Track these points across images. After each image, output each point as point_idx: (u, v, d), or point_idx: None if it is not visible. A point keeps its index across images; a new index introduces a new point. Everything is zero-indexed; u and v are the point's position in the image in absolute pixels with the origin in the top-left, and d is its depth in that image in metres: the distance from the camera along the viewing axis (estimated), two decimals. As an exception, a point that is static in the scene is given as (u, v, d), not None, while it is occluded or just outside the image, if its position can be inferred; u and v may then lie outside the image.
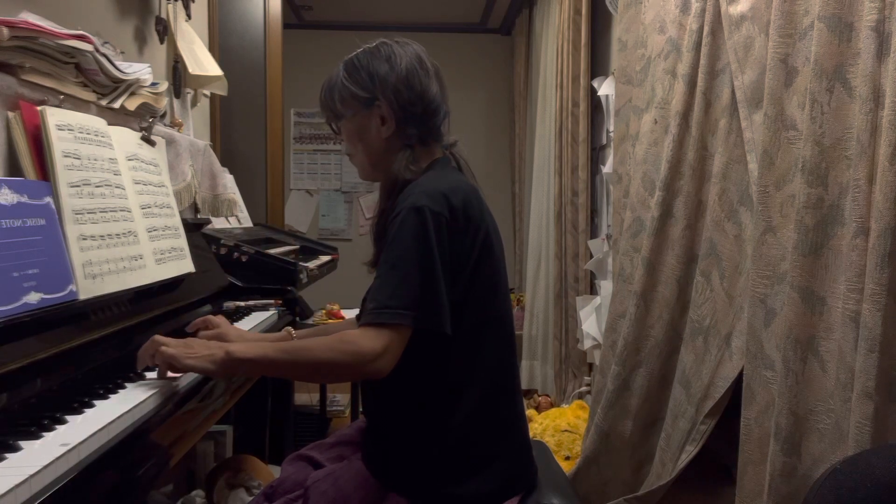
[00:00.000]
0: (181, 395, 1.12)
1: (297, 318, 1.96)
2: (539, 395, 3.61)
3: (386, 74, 1.21)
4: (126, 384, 1.08)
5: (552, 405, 3.35)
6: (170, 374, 1.12)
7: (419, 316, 1.06)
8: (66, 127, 1.26)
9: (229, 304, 1.79)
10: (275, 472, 1.98)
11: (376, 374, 1.05)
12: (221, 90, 2.54)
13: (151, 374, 1.14)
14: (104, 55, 1.48)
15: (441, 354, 1.14)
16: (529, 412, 3.11)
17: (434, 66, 1.26)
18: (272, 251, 2.32)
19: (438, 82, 1.25)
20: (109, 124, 1.44)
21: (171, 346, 1.09)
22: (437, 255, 1.08)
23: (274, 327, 1.75)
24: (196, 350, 1.09)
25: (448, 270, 1.10)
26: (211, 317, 1.39)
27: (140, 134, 1.59)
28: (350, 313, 2.77)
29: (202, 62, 2.39)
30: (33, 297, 1.05)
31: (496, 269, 1.20)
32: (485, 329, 1.17)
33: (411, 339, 1.08)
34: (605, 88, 2.97)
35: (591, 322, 2.94)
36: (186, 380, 1.16)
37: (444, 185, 1.14)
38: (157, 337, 1.11)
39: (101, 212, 1.30)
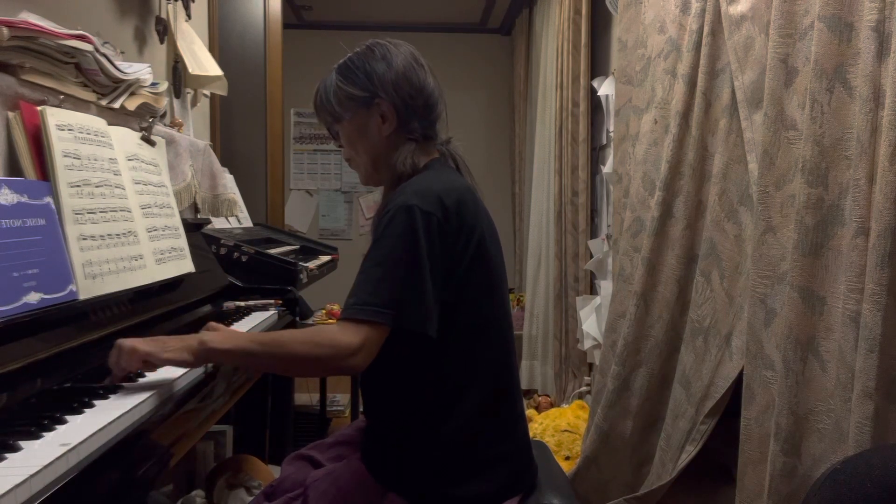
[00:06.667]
0: (181, 395, 1.12)
1: (298, 319, 1.96)
2: (539, 395, 3.61)
3: (384, 72, 1.21)
4: (125, 384, 1.08)
5: (552, 405, 3.35)
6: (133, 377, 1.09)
7: (399, 315, 1.05)
8: (66, 127, 1.26)
9: (229, 304, 1.79)
10: (275, 472, 1.98)
11: (351, 369, 1.06)
12: (221, 90, 2.54)
13: (148, 376, 1.13)
14: (104, 55, 1.48)
15: (438, 356, 1.13)
16: (529, 412, 3.11)
17: (427, 63, 1.27)
18: (272, 251, 2.32)
19: (434, 78, 1.26)
20: (109, 124, 1.44)
21: (144, 343, 1.06)
22: (426, 255, 1.07)
23: (274, 327, 1.75)
24: (171, 343, 1.08)
25: (438, 272, 1.09)
26: (212, 323, 1.38)
27: (140, 134, 1.59)
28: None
29: (202, 62, 2.39)
30: (33, 297, 1.05)
31: (492, 272, 1.18)
32: (481, 332, 1.17)
33: (407, 339, 1.08)
34: (605, 88, 2.97)
35: (591, 322, 2.94)
36: (186, 380, 1.16)
37: (437, 186, 1.13)
38: (123, 340, 1.07)
39: (101, 212, 1.30)
